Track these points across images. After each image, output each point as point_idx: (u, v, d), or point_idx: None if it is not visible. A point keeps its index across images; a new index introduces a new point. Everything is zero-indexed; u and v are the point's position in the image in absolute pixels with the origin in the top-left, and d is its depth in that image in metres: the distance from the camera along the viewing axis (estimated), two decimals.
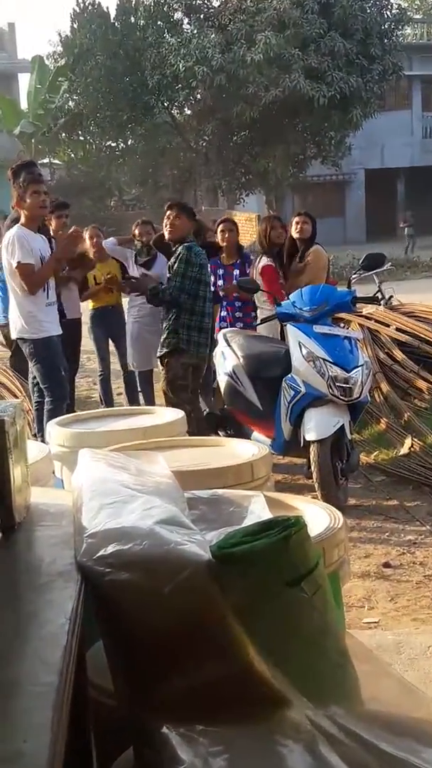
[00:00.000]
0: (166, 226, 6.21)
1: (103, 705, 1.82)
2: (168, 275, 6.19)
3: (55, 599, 1.43)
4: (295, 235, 7.53)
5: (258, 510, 2.00)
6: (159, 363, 6.50)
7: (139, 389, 7.97)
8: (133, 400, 7.88)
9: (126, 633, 1.48)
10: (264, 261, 7.19)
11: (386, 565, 4.67)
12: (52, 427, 3.91)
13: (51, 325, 5.93)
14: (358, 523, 5.25)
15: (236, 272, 7.28)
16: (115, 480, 1.85)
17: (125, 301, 8.04)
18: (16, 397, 7.50)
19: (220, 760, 1.29)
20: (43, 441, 4.45)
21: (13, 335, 6.15)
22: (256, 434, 6.00)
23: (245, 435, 5.78)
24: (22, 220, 5.90)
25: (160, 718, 1.37)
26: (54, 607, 1.40)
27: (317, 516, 2.36)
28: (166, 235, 6.25)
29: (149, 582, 1.46)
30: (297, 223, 7.62)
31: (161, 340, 6.21)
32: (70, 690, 1.23)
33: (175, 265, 6.02)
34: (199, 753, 1.30)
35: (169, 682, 1.41)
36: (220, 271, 7.30)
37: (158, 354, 6.29)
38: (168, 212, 6.19)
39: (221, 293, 7.19)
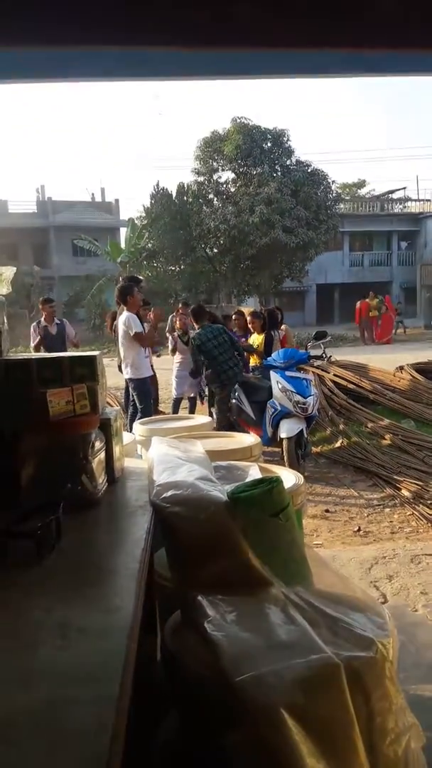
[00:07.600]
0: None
1: (163, 585, 1.80)
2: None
3: (138, 521, 1.43)
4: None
5: (254, 473, 1.98)
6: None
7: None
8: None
9: (178, 542, 1.46)
10: (281, 333, 7.05)
11: (327, 510, 4.60)
12: (136, 426, 3.90)
13: (147, 370, 5.86)
14: (311, 486, 5.18)
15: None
16: (172, 454, 1.84)
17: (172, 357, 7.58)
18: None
19: (231, 615, 1.27)
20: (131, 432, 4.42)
21: (126, 375, 5.92)
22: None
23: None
24: (128, 308, 5.75)
25: (196, 591, 1.35)
26: (137, 525, 1.40)
27: (289, 477, 2.34)
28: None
29: (191, 513, 1.44)
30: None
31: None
32: (146, 573, 1.23)
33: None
34: (219, 611, 1.28)
35: (202, 570, 1.39)
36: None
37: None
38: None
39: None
